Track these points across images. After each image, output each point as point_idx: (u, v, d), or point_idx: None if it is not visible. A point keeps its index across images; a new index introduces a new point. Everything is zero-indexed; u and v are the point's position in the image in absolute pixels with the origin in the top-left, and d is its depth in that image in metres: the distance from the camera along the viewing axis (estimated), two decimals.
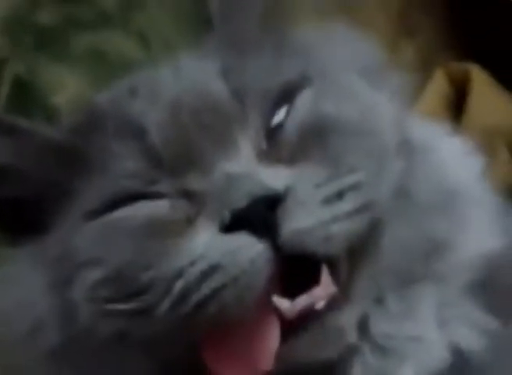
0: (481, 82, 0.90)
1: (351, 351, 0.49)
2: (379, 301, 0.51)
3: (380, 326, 0.50)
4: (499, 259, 0.52)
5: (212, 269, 0.45)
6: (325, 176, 0.48)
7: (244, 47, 0.54)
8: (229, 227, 0.47)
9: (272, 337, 0.46)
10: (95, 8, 0.74)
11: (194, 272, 0.46)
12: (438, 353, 0.50)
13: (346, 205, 0.47)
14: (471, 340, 0.50)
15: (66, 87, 0.68)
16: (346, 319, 0.48)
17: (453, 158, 0.57)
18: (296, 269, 0.47)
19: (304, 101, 0.52)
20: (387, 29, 0.96)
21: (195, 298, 0.45)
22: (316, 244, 0.46)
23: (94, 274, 0.48)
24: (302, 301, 0.46)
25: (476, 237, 0.53)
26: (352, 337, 0.48)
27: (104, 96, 0.56)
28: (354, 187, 0.48)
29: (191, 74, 0.53)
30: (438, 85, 0.95)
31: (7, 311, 0.53)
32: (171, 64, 0.56)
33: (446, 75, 0.95)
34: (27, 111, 0.61)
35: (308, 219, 0.46)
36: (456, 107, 0.94)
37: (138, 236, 0.48)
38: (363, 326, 0.50)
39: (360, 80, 0.54)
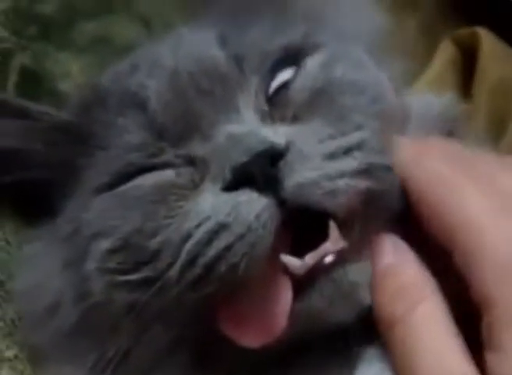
0: (489, 42, 0.90)
1: (367, 317, 0.48)
2: None
3: None
4: None
5: (218, 228, 0.46)
6: (329, 133, 0.48)
7: (242, 15, 0.55)
8: (232, 185, 0.47)
9: (284, 296, 0.46)
10: None
11: (201, 233, 0.46)
12: None
13: (353, 162, 0.47)
14: None
15: (73, 74, 0.69)
16: (360, 274, 0.48)
17: None
18: (305, 227, 0.47)
19: (313, 64, 0.52)
20: (389, 1, 0.96)
21: (204, 259, 0.46)
22: (320, 198, 0.46)
23: (104, 244, 0.49)
24: (311, 258, 0.46)
25: None
26: (366, 295, 0.48)
27: (107, 74, 0.58)
28: (360, 146, 0.48)
29: (189, 43, 0.54)
30: (446, 52, 0.94)
31: (27, 291, 0.55)
32: (169, 37, 0.57)
33: (454, 40, 0.94)
34: (35, 98, 0.62)
35: (311, 172, 0.46)
36: (467, 71, 0.94)
37: (145, 204, 0.49)
38: None
39: (367, 56, 0.55)
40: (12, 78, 0.66)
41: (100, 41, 0.73)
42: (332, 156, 0.47)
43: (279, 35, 0.53)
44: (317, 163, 0.47)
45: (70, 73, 0.69)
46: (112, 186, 0.51)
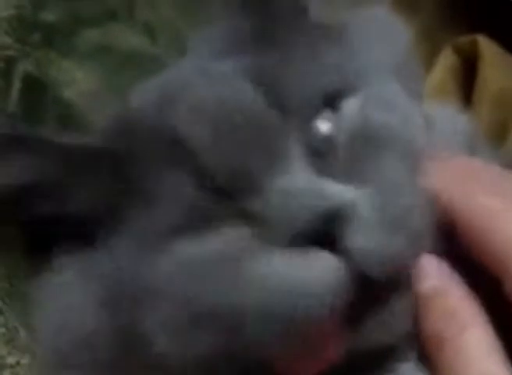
0: (489, 50, 0.90)
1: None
2: None
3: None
4: None
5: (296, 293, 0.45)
6: (383, 199, 0.48)
7: (274, 45, 0.52)
8: (295, 244, 0.46)
9: (335, 338, 0.46)
10: (99, 3, 0.75)
11: (278, 297, 0.45)
12: None
13: (405, 232, 0.47)
14: None
15: (77, 82, 0.69)
16: (402, 304, 0.48)
17: None
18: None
19: (351, 109, 0.50)
20: (389, 7, 0.96)
21: (282, 319, 0.45)
22: (376, 266, 0.46)
23: (175, 310, 0.47)
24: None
25: None
26: (409, 321, 0.47)
27: (137, 100, 0.54)
28: (410, 216, 0.47)
29: (224, 83, 0.51)
30: (447, 60, 0.94)
31: (55, 322, 0.51)
32: (195, 63, 0.54)
33: (454, 49, 0.95)
34: (40, 106, 0.62)
35: (371, 239, 0.46)
36: (467, 79, 0.94)
37: (214, 270, 0.47)
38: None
39: (399, 87, 0.53)
40: (16, 85, 0.66)
41: (103, 48, 0.73)
42: (388, 226, 0.47)
43: (319, 74, 0.51)
44: (375, 231, 0.46)
45: (74, 80, 0.69)
46: (168, 244, 0.48)
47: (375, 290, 0.46)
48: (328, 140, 0.50)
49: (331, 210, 0.46)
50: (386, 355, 0.48)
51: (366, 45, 0.54)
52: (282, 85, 0.50)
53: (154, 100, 0.53)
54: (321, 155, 0.49)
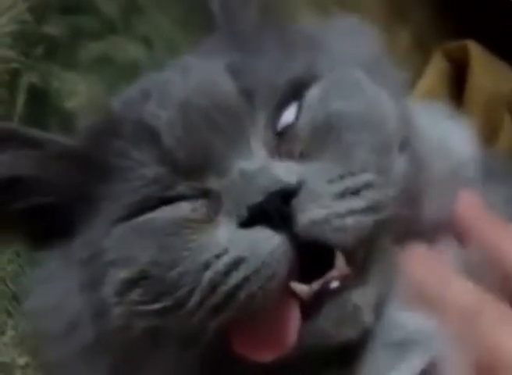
0: (478, 55, 0.92)
1: (368, 335, 0.50)
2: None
3: (392, 313, 0.52)
4: None
5: (236, 262, 0.48)
6: (337, 173, 0.50)
7: (248, 44, 0.56)
8: (247, 222, 0.49)
9: (293, 317, 0.49)
10: (99, 17, 0.77)
11: (220, 264, 0.48)
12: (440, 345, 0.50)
13: (361, 201, 0.50)
14: None
15: (79, 93, 0.71)
16: (362, 297, 0.50)
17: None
18: (311, 254, 0.49)
19: (313, 97, 0.53)
20: (380, 14, 0.98)
21: (223, 288, 0.48)
22: (330, 235, 0.48)
23: (122, 274, 0.50)
24: (317, 284, 0.49)
25: None
26: (369, 317, 0.50)
27: (118, 100, 0.58)
28: (368, 186, 0.50)
29: (199, 74, 0.54)
30: (437, 65, 0.97)
31: (42, 311, 0.55)
32: (178, 64, 0.57)
33: (444, 54, 0.97)
34: (43, 116, 0.64)
35: (322, 210, 0.49)
36: (457, 84, 0.96)
37: (162, 236, 0.51)
38: (379, 311, 0.51)
39: (365, 76, 0.56)
40: (21, 97, 0.68)
41: (104, 60, 0.75)
42: (341, 196, 0.50)
43: (285, 68, 0.54)
44: (327, 202, 0.49)
45: (77, 91, 0.72)
46: (129, 217, 0.52)
47: (330, 264, 0.49)
48: (290, 126, 0.53)
49: (281, 189, 0.49)
50: (347, 355, 0.50)
51: (335, 43, 0.58)
52: (252, 76, 0.53)
53: (133, 96, 0.57)
54: (283, 140, 0.53)
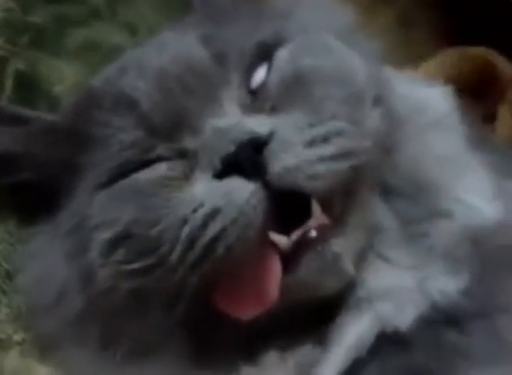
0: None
1: (349, 289, 0.52)
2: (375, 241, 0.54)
3: (371, 267, 0.53)
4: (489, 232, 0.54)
5: (213, 213, 0.49)
6: (307, 121, 0.52)
7: (220, 19, 0.58)
8: (221, 174, 0.51)
9: (273, 270, 0.50)
10: (84, 4, 0.80)
11: (197, 217, 0.50)
12: (416, 301, 0.51)
13: (331, 148, 0.51)
14: (445, 292, 0.52)
15: (65, 78, 0.73)
16: (341, 247, 0.51)
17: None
18: (291, 208, 0.50)
19: (282, 57, 0.55)
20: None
21: (202, 241, 0.49)
22: (303, 182, 0.50)
23: (106, 234, 0.52)
24: (296, 234, 0.50)
25: (468, 202, 0.55)
26: (349, 266, 0.51)
27: (98, 79, 0.60)
28: (338, 133, 0.52)
29: (174, 44, 0.57)
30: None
31: (32, 283, 0.57)
32: (154, 41, 0.60)
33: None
34: (31, 101, 0.66)
35: (293, 158, 0.50)
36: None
37: (142, 196, 0.52)
38: (359, 264, 0.52)
39: (335, 39, 0.58)
40: (9, 83, 0.69)
41: (90, 47, 0.77)
42: (311, 143, 0.51)
43: (255, 33, 0.57)
44: (298, 150, 0.51)
45: (64, 77, 0.73)
46: (110, 183, 0.54)
47: (306, 210, 0.50)
48: (262, 85, 0.55)
49: (252, 139, 0.51)
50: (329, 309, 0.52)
51: (304, 13, 0.60)
52: (223, 43, 0.56)
53: (112, 73, 0.59)
54: (256, 98, 0.55)
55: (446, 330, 0.51)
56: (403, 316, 0.51)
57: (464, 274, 0.52)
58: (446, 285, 0.52)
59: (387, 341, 0.50)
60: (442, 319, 0.51)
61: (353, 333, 0.51)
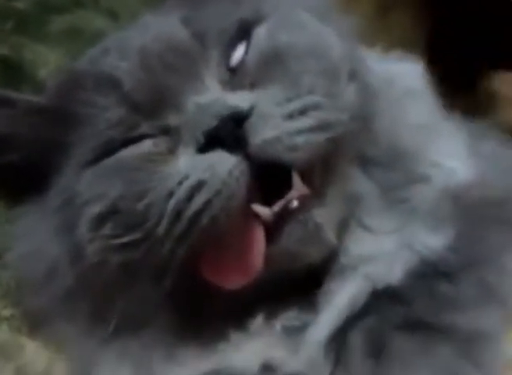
0: None
1: (333, 258, 0.53)
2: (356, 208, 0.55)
3: (353, 236, 0.54)
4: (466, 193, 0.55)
5: (197, 185, 0.51)
6: (285, 96, 0.53)
7: (200, 2, 0.59)
8: (205, 148, 0.52)
9: (257, 240, 0.51)
10: None
11: (182, 190, 0.51)
12: (403, 258, 0.53)
13: (309, 120, 0.52)
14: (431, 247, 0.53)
15: (49, 63, 0.75)
16: (322, 217, 0.53)
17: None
18: (273, 179, 0.52)
19: (260, 35, 0.57)
20: None
21: (187, 213, 0.50)
22: (283, 153, 0.51)
23: (94, 209, 0.53)
24: (278, 205, 0.51)
25: (445, 164, 0.56)
26: (331, 235, 0.53)
27: (82, 61, 0.61)
28: (315, 107, 0.53)
29: (155, 26, 0.58)
30: None
31: (23, 259, 0.58)
32: (136, 24, 0.60)
33: None
34: (16, 85, 0.67)
35: (273, 131, 0.52)
36: None
37: (128, 172, 0.53)
38: (341, 234, 0.53)
39: (311, 16, 0.59)
40: None
41: (72, 32, 0.79)
42: (290, 116, 0.53)
43: (235, 12, 0.58)
44: (277, 123, 0.52)
45: (48, 61, 0.75)
46: (97, 161, 0.55)
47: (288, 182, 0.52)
48: (241, 62, 0.56)
49: (233, 113, 0.52)
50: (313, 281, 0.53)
51: None
52: (203, 23, 0.58)
53: (94, 55, 0.60)
54: (235, 75, 0.56)
55: (436, 282, 0.53)
56: (393, 272, 0.52)
57: (447, 230, 0.54)
58: (431, 241, 0.53)
59: (381, 297, 0.52)
60: (432, 273, 0.53)
61: (344, 295, 0.52)
